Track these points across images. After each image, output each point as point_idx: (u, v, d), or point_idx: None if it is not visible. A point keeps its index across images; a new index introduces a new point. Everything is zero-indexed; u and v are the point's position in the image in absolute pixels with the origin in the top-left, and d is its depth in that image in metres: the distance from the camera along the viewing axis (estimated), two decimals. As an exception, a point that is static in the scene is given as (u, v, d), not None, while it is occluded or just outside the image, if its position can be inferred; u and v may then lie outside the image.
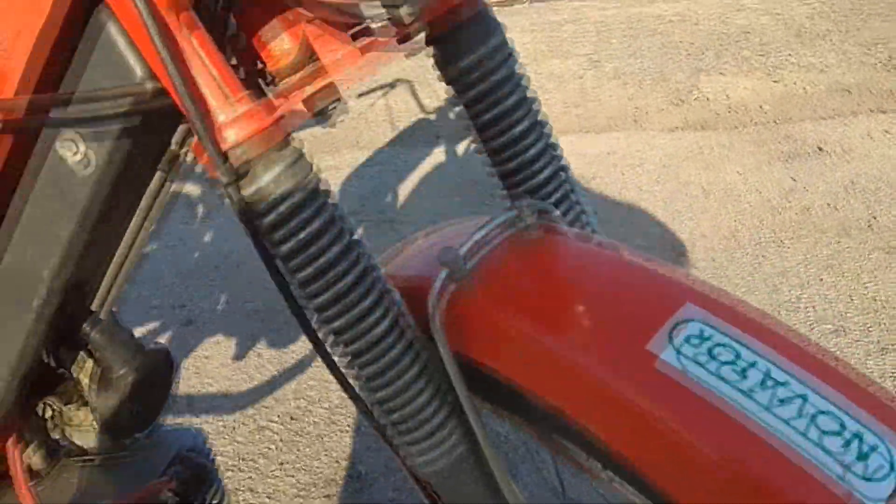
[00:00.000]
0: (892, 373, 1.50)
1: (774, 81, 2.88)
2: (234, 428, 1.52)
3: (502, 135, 0.60)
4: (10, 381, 0.64)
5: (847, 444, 0.38)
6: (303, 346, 1.71)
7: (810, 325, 1.63)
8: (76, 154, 0.53)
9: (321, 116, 0.58)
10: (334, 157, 2.62)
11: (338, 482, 1.37)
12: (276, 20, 0.54)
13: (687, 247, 1.94)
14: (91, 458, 0.77)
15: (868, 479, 0.38)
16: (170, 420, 0.79)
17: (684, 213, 2.09)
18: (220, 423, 1.54)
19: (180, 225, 2.27)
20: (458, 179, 2.39)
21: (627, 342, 0.45)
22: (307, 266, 0.51)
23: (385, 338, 0.54)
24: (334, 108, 0.58)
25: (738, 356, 0.42)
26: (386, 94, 3.01)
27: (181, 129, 0.60)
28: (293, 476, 1.40)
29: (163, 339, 1.82)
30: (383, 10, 0.47)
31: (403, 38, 0.56)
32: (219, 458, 1.44)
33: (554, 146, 0.62)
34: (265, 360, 1.70)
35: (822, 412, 0.40)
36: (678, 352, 0.43)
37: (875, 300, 1.68)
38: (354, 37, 0.56)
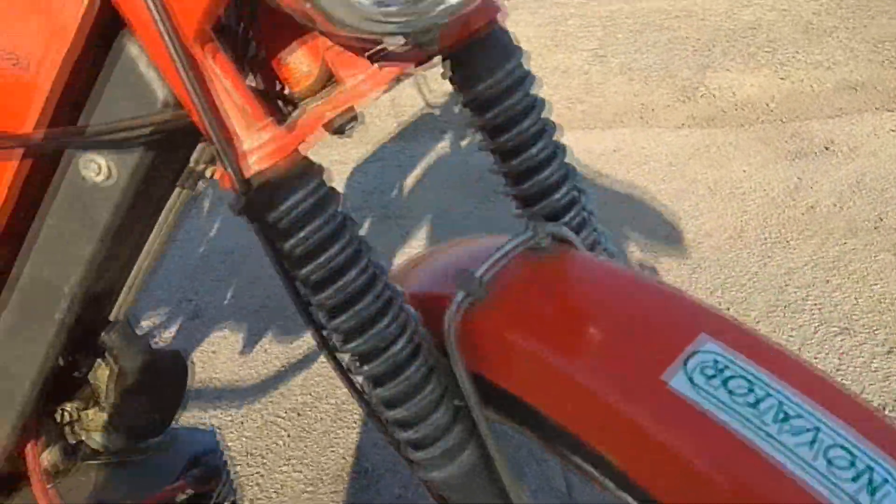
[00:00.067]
0: (896, 375, 1.51)
1: (781, 78, 2.87)
2: (241, 422, 1.54)
3: (519, 157, 0.60)
4: (31, 389, 0.65)
5: (857, 477, 0.39)
6: (308, 341, 1.72)
7: (816, 326, 1.64)
8: (98, 174, 0.54)
9: (338, 132, 0.59)
10: (339, 152, 2.63)
11: (345, 478, 1.38)
12: (296, 42, 0.55)
13: (693, 246, 1.94)
14: (107, 460, 0.78)
15: (877, 511, 0.39)
16: (178, 414, 0.80)
17: (690, 212, 2.09)
18: (228, 418, 1.55)
19: (186, 219, 2.28)
20: (462, 174, 2.39)
21: (641, 370, 0.46)
22: (327, 286, 0.52)
23: (402, 358, 0.55)
24: (351, 126, 0.59)
25: (751, 388, 0.43)
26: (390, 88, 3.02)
27: (200, 145, 0.60)
28: (300, 471, 1.41)
29: (170, 333, 1.83)
30: (406, 41, 0.47)
31: (421, 60, 0.57)
32: (227, 452, 1.46)
33: (570, 167, 0.63)
34: (272, 356, 1.72)
35: (834, 445, 0.41)
36: (692, 381, 0.44)
37: (881, 301, 1.69)
38: (372, 58, 0.56)
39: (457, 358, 0.54)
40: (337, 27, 0.45)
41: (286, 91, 0.58)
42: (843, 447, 0.40)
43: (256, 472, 1.42)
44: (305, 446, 1.46)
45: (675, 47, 3.28)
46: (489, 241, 0.67)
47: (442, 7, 0.45)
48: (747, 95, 2.76)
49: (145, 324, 1.83)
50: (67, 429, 0.77)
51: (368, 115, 2.96)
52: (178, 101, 0.50)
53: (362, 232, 2.03)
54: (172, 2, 0.45)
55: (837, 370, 1.52)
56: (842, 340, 1.59)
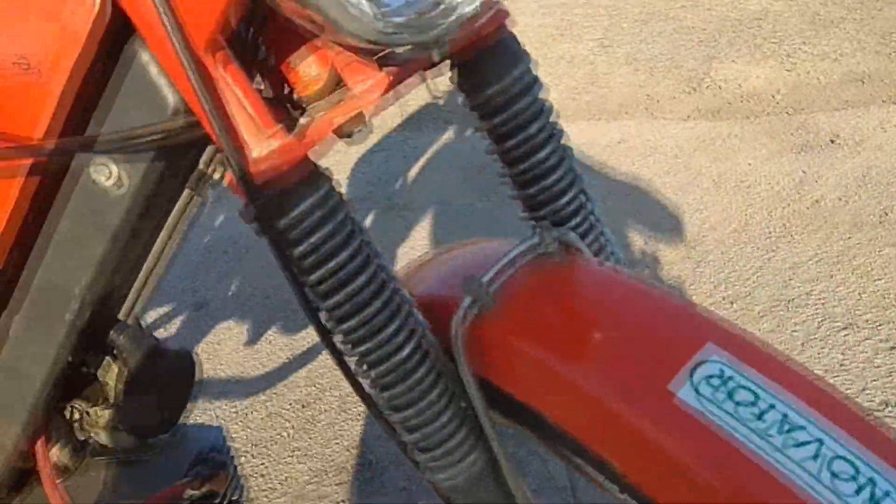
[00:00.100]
0: (899, 371, 1.51)
1: (788, 70, 2.85)
2: (246, 414, 1.55)
3: (526, 163, 0.61)
4: (42, 388, 0.66)
5: (860, 489, 0.40)
6: (313, 333, 1.72)
7: (820, 321, 1.64)
8: (109, 178, 0.54)
9: (346, 137, 0.60)
10: (343, 142, 2.63)
11: (349, 470, 1.40)
12: (305, 47, 0.55)
13: (697, 239, 1.94)
14: (116, 458, 0.79)
15: (879, 522, 0.39)
16: (186, 412, 0.81)
17: (695, 205, 2.09)
18: (233, 409, 1.56)
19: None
20: (466, 165, 2.39)
21: (648, 379, 0.46)
22: (336, 293, 0.52)
23: (410, 363, 0.55)
24: (360, 130, 0.59)
25: (756, 398, 0.44)
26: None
27: (210, 148, 0.61)
28: (305, 463, 1.43)
29: (174, 324, 1.84)
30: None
31: (429, 65, 0.57)
32: (232, 443, 1.47)
33: (577, 173, 0.63)
34: (276, 347, 1.73)
35: (838, 457, 0.41)
36: (697, 391, 0.44)
37: (885, 297, 1.69)
38: (380, 62, 0.56)
39: (464, 364, 0.54)
40: (346, 37, 0.45)
41: (294, 95, 0.58)
42: (846, 459, 0.41)
43: (261, 464, 1.43)
44: (310, 437, 1.48)
45: (681, 37, 3.27)
46: (495, 244, 0.67)
47: (450, 19, 0.45)
48: (753, 87, 2.75)
49: (150, 315, 1.84)
50: (76, 426, 0.77)
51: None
52: (189, 108, 0.51)
53: (367, 222, 2.03)
54: (184, 12, 0.45)
55: (841, 366, 1.52)
56: (845, 336, 1.59)
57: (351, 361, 0.57)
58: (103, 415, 0.77)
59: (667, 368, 0.46)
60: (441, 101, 2.85)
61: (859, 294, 1.70)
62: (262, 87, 0.59)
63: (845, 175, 2.12)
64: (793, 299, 1.70)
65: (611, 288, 0.55)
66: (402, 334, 0.55)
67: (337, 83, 0.56)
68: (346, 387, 1.75)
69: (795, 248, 1.87)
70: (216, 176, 0.64)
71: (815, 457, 0.41)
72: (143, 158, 0.53)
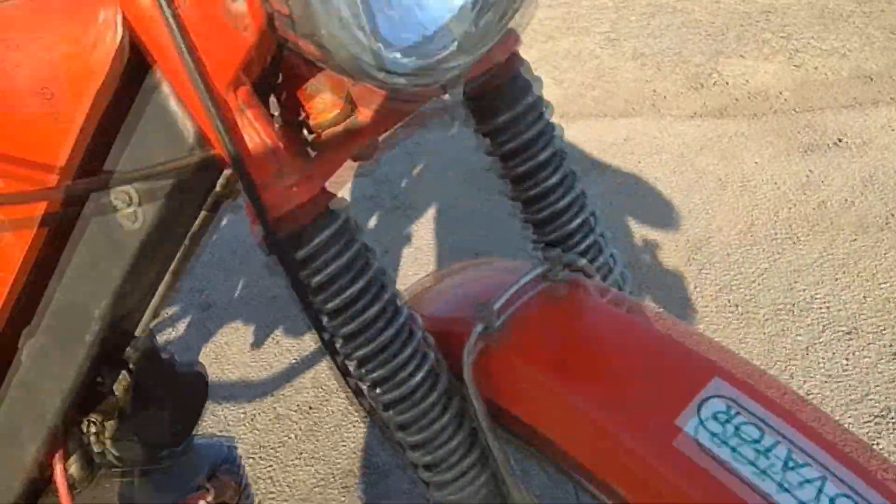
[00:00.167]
0: (903, 377, 1.52)
1: (795, 66, 2.84)
2: (253, 416, 1.56)
3: (535, 187, 0.62)
4: (61, 405, 0.67)
5: (862, 529, 0.41)
6: (320, 333, 1.74)
7: (823, 326, 1.65)
8: (128, 205, 0.55)
9: (360, 160, 0.60)
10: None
11: (355, 473, 1.41)
12: (322, 74, 0.55)
13: (702, 241, 1.95)
14: (129, 471, 0.81)
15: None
16: (198, 426, 0.83)
17: (700, 206, 2.09)
18: (241, 411, 1.58)
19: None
20: (472, 166, 2.39)
21: (656, 412, 0.47)
22: (351, 322, 0.54)
23: (422, 389, 0.56)
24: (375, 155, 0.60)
25: (761, 435, 0.44)
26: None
27: (226, 172, 0.62)
28: (312, 466, 1.44)
29: (182, 324, 1.85)
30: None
31: (443, 93, 0.58)
32: (239, 446, 1.49)
33: (584, 195, 0.64)
34: (283, 348, 1.74)
35: (839, 495, 0.42)
36: (704, 427, 0.45)
37: (889, 301, 1.69)
38: (390, 95, 0.57)
39: (474, 390, 0.55)
40: (354, 79, 0.46)
41: (309, 120, 0.59)
42: (848, 497, 0.42)
43: (268, 467, 1.45)
44: (317, 440, 1.49)
45: (689, 31, 3.25)
46: (502, 265, 0.68)
47: (452, 66, 0.46)
48: (760, 83, 2.74)
49: (158, 314, 1.85)
50: (92, 439, 0.79)
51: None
52: (208, 140, 0.51)
53: (372, 222, 2.03)
54: (206, 52, 0.45)
55: (844, 371, 1.53)
56: (849, 341, 1.59)
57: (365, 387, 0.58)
58: (118, 428, 0.78)
59: (674, 402, 0.47)
60: (448, 100, 2.85)
61: (863, 298, 1.70)
62: (278, 111, 0.59)
63: (851, 176, 2.12)
64: (797, 303, 1.71)
65: (619, 317, 0.56)
66: (415, 361, 0.56)
67: (352, 111, 0.57)
68: (353, 390, 1.73)
69: (800, 251, 1.87)
70: (232, 199, 0.65)
71: (817, 496, 0.42)
72: (162, 187, 0.54)
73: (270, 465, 1.45)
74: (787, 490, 0.42)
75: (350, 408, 1.54)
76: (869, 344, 1.59)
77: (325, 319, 0.54)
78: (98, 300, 0.61)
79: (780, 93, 2.68)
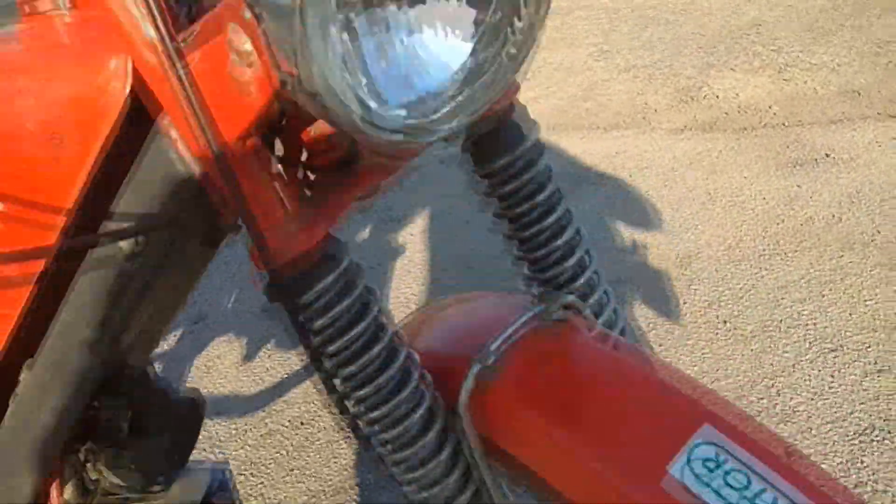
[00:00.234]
0: (888, 394, 1.54)
1: (785, 80, 2.87)
2: (244, 431, 1.57)
3: (531, 227, 0.63)
4: (59, 435, 0.68)
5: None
6: (312, 346, 1.74)
7: (810, 342, 1.67)
8: (131, 244, 0.56)
9: (360, 199, 0.61)
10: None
11: (347, 490, 1.42)
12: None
13: (691, 256, 1.97)
14: (124, 498, 0.81)
15: None
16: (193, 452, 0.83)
17: (689, 221, 2.11)
18: (232, 427, 1.58)
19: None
20: (464, 176, 2.40)
21: (647, 457, 0.49)
22: (352, 362, 0.55)
23: (419, 426, 0.57)
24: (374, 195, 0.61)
25: (749, 482, 0.46)
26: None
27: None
28: (303, 482, 1.45)
29: (174, 336, 1.86)
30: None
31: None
32: (230, 462, 1.49)
33: (581, 235, 0.65)
34: (275, 362, 1.75)
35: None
36: (694, 473, 0.47)
37: (874, 318, 1.72)
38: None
39: (471, 429, 0.57)
40: (355, 135, 0.47)
41: (312, 161, 0.60)
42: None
43: (259, 483, 1.45)
44: (307, 457, 1.50)
45: (680, 44, 3.28)
46: (498, 301, 0.69)
47: (450, 126, 0.47)
48: (750, 97, 2.77)
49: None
50: (88, 466, 0.79)
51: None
52: (213, 187, 0.52)
53: (364, 234, 2.03)
54: (216, 109, 0.46)
55: (829, 388, 1.55)
56: (834, 358, 1.62)
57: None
58: (114, 456, 0.79)
59: (665, 448, 0.48)
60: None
61: (849, 315, 1.73)
62: (281, 151, 0.60)
63: (838, 192, 2.15)
64: (783, 320, 1.73)
65: (612, 358, 0.57)
66: (413, 400, 0.57)
67: (354, 155, 0.58)
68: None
69: (787, 267, 1.89)
70: (232, 234, 0.66)
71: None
72: (163, 231, 0.55)
73: (261, 482, 1.46)
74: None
75: (341, 423, 1.54)
76: (854, 361, 1.61)
77: (325, 360, 0.55)
78: (98, 333, 0.61)
79: (770, 107, 2.71)
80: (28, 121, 0.53)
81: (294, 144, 0.59)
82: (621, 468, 0.50)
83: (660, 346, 1.72)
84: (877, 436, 1.45)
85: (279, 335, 1.81)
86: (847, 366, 1.60)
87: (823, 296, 1.79)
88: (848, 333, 1.68)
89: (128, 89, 0.50)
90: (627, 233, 2.11)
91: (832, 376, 1.58)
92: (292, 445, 1.52)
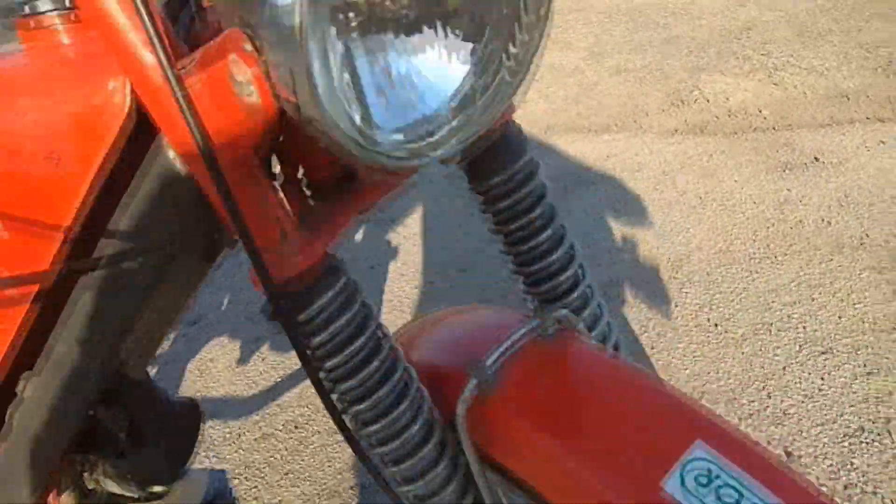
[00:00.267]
0: (877, 396, 1.56)
1: (774, 84, 2.90)
2: (239, 435, 1.57)
3: (526, 242, 0.64)
4: (57, 447, 0.69)
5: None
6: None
7: (800, 345, 1.69)
8: (130, 251, 0.57)
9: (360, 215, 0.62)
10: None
11: (341, 493, 1.43)
12: (323, 136, 0.57)
13: (683, 259, 1.98)
14: (121, 504, 0.82)
15: None
16: (192, 459, 0.84)
17: (681, 224, 2.13)
18: (227, 430, 1.59)
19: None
20: (458, 179, 2.41)
21: (641, 473, 0.50)
22: (350, 378, 0.55)
23: (417, 439, 0.58)
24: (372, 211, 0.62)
25: (740, 497, 0.47)
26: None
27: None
28: (298, 486, 1.45)
29: (169, 338, 1.86)
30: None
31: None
32: (225, 465, 1.50)
33: (575, 250, 0.66)
34: (269, 365, 1.75)
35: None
36: (686, 488, 0.48)
37: (863, 321, 1.74)
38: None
39: (467, 441, 0.58)
40: (354, 158, 0.48)
41: (309, 178, 0.60)
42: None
43: (254, 487, 1.46)
44: (302, 460, 1.50)
45: (671, 47, 3.30)
46: (492, 314, 0.70)
47: (446, 149, 0.48)
48: (740, 101, 2.79)
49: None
50: (86, 475, 0.80)
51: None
52: (212, 205, 0.53)
53: (357, 237, 2.03)
54: (215, 131, 0.47)
55: (819, 391, 1.57)
56: (824, 361, 1.63)
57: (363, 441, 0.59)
58: (113, 464, 0.79)
59: (659, 464, 0.49)
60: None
61: (838, 318, 1.75)
62: (279, 170, 0.61)
63: (828, 196, 2.17)
64: (774, 323, 1.75)
65: (606, 373, 0.58)
66: (410, 413, 0.58)
67: (353, 172, 0.59)
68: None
69: (778, 270, 1.91)
70: (230, 248, 0.66)
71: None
72: (162, 249, 0.56)
73: (256, 486, 1.46)
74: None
75: (335, 427, 1.55)
76: (844, 363, 1.63)
77: (323, 375, 0.56)
78: (96, 345, 0.62)
79: (760, 110, 2.73)
80: (27, 140, 0.53)
81: (292, 162, 0.60)
82: (616, 484, 0.51)
83: (651, 348, 1.73)
84: (866, 438, 1.47)
85: (273, 338, 1.82)
86: (837, 368, 1.62)
87: (813, 299, 1.81)
88: (838, 336, 1.70)
89: (126, 110, 0.50)
90: (620, 236, 2.12)
91: (822, 379, 1.60)
92: (287, 449, 1.52)
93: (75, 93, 0.52)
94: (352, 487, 1.43)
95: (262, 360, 1.77)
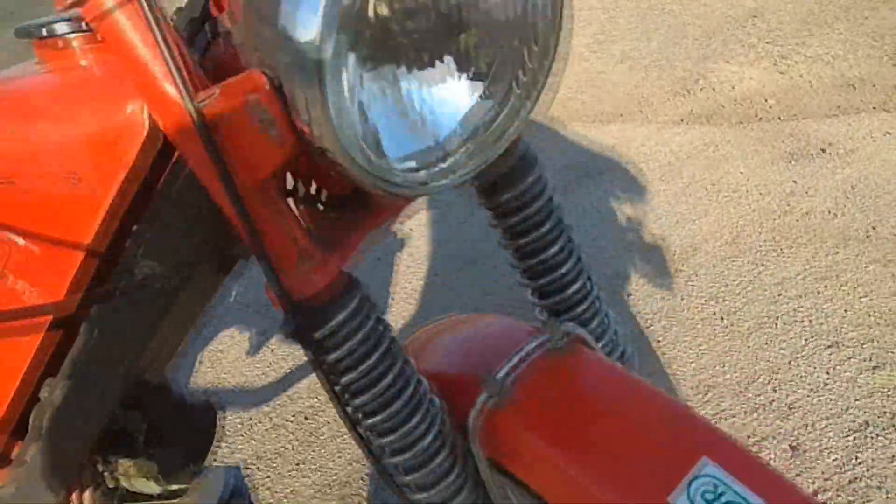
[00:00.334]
0: (882, 390, 1.57)
1: (781, 72, 2.88)
2: (250, 426, 1.59)
3: (536, 256, 0.65)
4: (81, 450, 0.71)
5: None
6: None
7: (806, 339, 1.69)
8: (151, 272, 0.58)
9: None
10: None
11: (352, 484, 1.45)
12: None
13: (690, 251, 1.99)
14: (143, 503, 0.84)
15: None
16: (209, 458, 0.86)
17: (687, 215, 2.13)
18: (238, 420, 1.61)
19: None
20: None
21: (649, 487, 0.51)
22: (366, 392, 0.57)
23: (431, 450, 0.60)
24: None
25: (745, 514, 0.48)
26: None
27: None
28: (309, 476, 1.48)
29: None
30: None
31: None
32: (237, 455, 1.52)
33: (583, 264, 0.67)
34: (278, 356, 1.77)
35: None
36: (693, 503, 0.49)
37: (870, 314, 1.74)
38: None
39: (479, 451, 0.59)
40: (368, 188, 0.49)
41: (324, 195, 0.62)
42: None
43: (266, 477, 1.48)
44: (313, 451, 1.53)
45: (677, 35, 3.28)
46: (502, 323, 0.71)
47: (456, 176, 0.49)
48: (746, 90, 2.78)
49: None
50: (106, 474, 0.82)
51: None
52: (230, 224, 0.54)
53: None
54: (235, 158, 0.48)
55: (825, 385, 1.58)
56: (830, 355, 1.64)
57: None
58: (132, 464, 0.81)
59: (666, 478, 0.51)
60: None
61: (845, 311, 1.75)
62: (293, 184, 0.62)
63: (835, 187, 2.17)
64: (781, 316, 1.76)
65: (615, 389, 0.60)
66: (423, 425, 0.60)
67: (366, 192, 0.60)
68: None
69: (784, 263, 1.92)
70: (245, 258, 0.68)
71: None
72: (184, 263, 0.57)
73: (268, 476, 1.49)
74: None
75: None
76: (850, 357, 1.64)
77: (340, 390, 0.58)
78: (118, 356, 0.64)
79: (766, 100, 2.72)
80: (47, 159, 0.55)
81: (305, 176, 0.61)
82: (624, 497, 0.52)
83: (658, 342, 1.75)
84: (872, 432, 1.48)
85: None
86: (844, 362, 1.63)
87: (820, 292, 1.81)
88: (844, 330, 1.71)
89: (145, 133, 0.51)
90: (627, 227, 2.13)
91: (828, 373, 1.61)
92: (298, 439, 1.55)
93: (94, 114, 0.53)
94: (362, 478, 1.46)
95: (272, 351, 1.79)
